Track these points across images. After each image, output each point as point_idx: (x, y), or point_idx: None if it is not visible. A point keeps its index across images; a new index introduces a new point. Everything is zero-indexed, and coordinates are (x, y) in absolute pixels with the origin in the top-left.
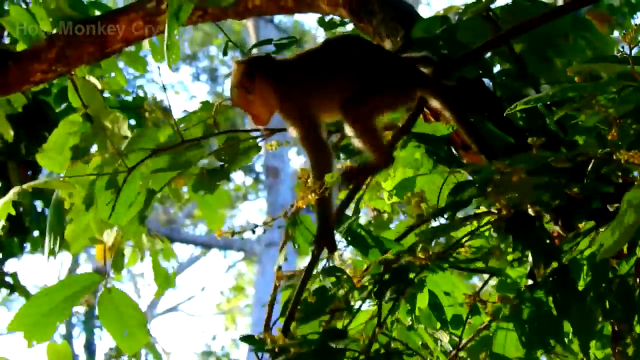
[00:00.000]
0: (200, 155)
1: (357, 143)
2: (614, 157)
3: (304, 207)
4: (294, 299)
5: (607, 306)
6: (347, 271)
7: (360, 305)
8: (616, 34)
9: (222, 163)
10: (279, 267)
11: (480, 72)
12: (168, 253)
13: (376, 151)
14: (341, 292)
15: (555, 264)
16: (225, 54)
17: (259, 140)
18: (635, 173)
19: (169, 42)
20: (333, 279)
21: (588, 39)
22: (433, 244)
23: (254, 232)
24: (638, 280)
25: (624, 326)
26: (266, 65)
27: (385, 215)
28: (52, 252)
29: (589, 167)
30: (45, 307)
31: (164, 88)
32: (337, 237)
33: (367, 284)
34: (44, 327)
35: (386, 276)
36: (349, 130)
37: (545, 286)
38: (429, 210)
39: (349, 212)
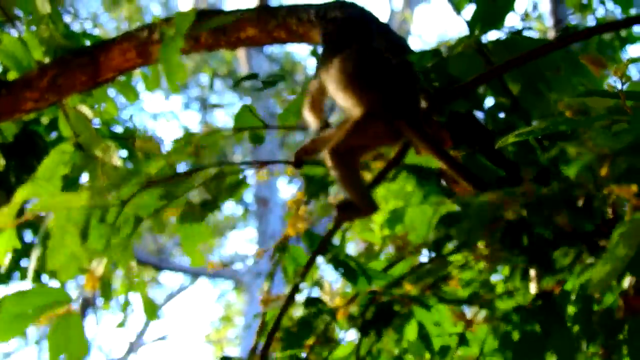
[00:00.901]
0: (189, 186)
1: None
2: (605, 192)
3: (294, 235)
4: (273, 323)
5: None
6: (335, 300)
7: (345, 336)
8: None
9: (209, 196)
10: (266, 292)
11: (472, 105)
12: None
13: (357, 201)
14: (321, 325)
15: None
16: (211, 87)
17: (247, 171)
18: (625, 207)
19: (168, 69)
20: (314, 309)
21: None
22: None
23: (244, 263)
24: (623, 311)
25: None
26: None
27: (377, 248)
28: (36, 278)
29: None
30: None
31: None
32: (322, 261)
33: (355, 314)
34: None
35: (369, 314)
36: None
37: (531, 311)
38: (419, 241)
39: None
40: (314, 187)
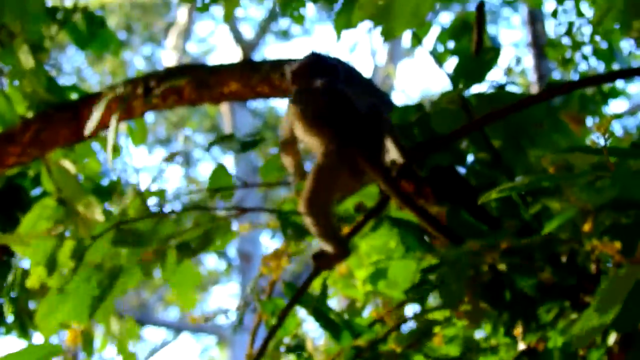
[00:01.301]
0: (170, 231)
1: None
2: (588, 248)
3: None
4: None
5: None
6: (318, 357)
7: None
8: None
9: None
10: (249, 346)
11: (454, 160)
12: (133, 333)
13: (330, 246)
14: None
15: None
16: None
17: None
18: (609, 263)
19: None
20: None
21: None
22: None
23: (227, 316)
24: None
25: None
26: None
27: (359, 304)
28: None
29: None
30: None
31: (137, 171)
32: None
33: None
34: None
35: None
36: None
37: None
38: (402, 297)
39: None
40: (293, 233)
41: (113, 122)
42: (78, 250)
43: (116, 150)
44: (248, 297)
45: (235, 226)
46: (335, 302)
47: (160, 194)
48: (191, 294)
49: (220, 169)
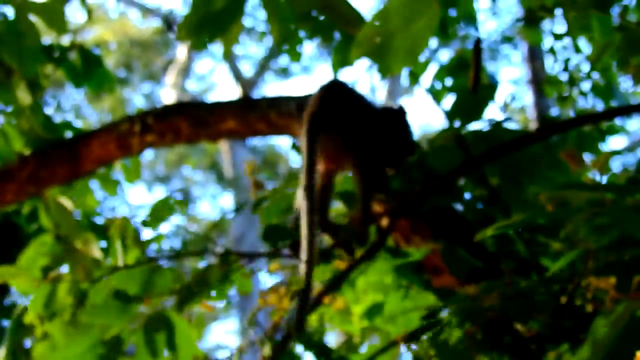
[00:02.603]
0: (170, 279)
1: None
2: (583, 284)
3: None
4: None
5: None
6: None
7: None
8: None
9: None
10: None
11: (452, 197)
12: None
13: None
14: None
15: None
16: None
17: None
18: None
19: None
20: None
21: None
22: None
23: (230, 358)
24: None
25: None
26: None
27: (356, 339)
28: None
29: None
30: None
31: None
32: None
33: None
34: None
35: None
36: None
37: None
38: (398, 332)
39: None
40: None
41: None
42: (77, 295)
43: (113, 187)
44: (251, 336)
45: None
46: (331, 337)
47: (158, 239)
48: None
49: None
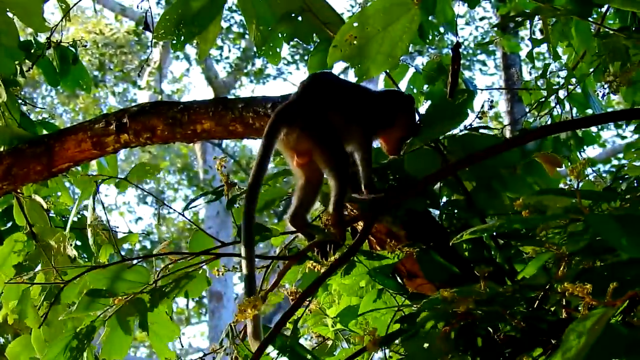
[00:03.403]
0: (142, 278)
1: None
2: (559, 289)
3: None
4: None
5: None
6: None
7: None
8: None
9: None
10: None
11: (429, 202)
12: None
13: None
14: None
15: None
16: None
17: (202, 265)
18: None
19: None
20: None
21: (535, 177)
22: None
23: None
24: None
25: None
26: None
27: (329, 342)
28: None
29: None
30: None
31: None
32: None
33: None
34: None
35: None
36: None
37: None
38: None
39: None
40: None
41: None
42: (51, 294)
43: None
44: (223, 340)
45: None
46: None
47: (133, 237)
48: (168, 348)
49: (198, 235)
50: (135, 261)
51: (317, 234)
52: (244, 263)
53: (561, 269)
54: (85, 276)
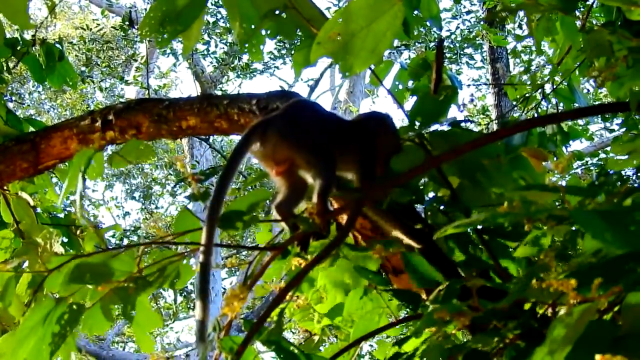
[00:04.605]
0: (127, 267)
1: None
2: (543, 286)
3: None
4: None
5: None
6: None
7: None
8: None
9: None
10: None
11: (413, 198)
12: None
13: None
14: None
15: None
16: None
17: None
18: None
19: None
20: None
21: (521, 172)
22: None
23: (187, 355)
24: None
25: None
26: None
27: (316, 338)
28: None
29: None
30: None
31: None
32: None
33: None
34: None
35: None
36: None
37: None
38: (358, 334)
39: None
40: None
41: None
42: (35, 282)
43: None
44: (210, 334)
45: (192, 262)
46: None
47: (116, 227)
48: (150, 337)
49: (184, 213)
50: (120, 250)
51: (301, 224)
52: (199, 266)
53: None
54: (70, 264)
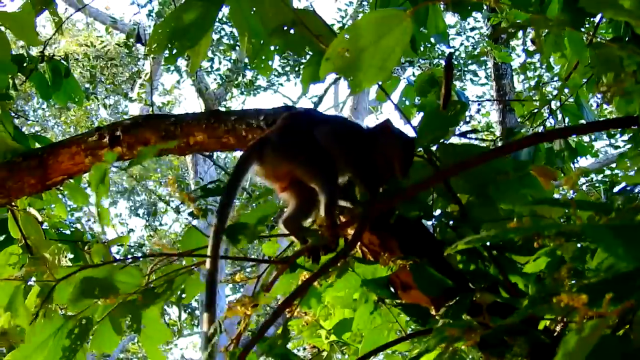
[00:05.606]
0: (135, 280)
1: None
2: (554, 300)
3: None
4: None
5: None
6: None
7: None
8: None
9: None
10: None
11: (422, 214)
12: None
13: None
14: None
15: None
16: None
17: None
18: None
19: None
20: None
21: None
22: None
23: None
24: None
25: None
26: None
27: (324, 354)
28: None
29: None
30: None
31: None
32: None
33: None
34: None
35: None
36: None
37: None
38: (367, 349)
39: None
40: None
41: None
42: (43, 294)
43: (83, 198)
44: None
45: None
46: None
47: (124, 239)
48: (160, 351)
49: (191, 230)
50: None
51: (310, 237)
52: (206, 278)
53: (562, 272)
54: (78, 275)
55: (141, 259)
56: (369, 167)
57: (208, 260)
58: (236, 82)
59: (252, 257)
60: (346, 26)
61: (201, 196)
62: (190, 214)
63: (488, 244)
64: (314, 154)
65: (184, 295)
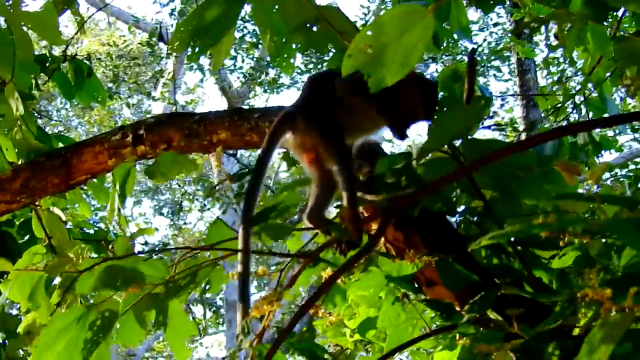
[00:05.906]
0: (159, 273)
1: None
2: (579, 295)
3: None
4: None
5: None
6: None
7: None
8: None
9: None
10: None
11: (446, 210)
12: None
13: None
14: None
15: None
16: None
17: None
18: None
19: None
20: None
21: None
22: None
23: None
24: None
25: None
26: None
27: (348, 352)
28: None
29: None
30: None
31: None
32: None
33: None
34: None
35: None
36: None
37: None
38: (392, 346)
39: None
40: None
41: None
42: (65, 282)
43: (106, 197)
44: (240, 342)
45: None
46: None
47: (149, 230)
48: (185, 345)
49: (217, 223)
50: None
51: (334, 231)
52: (239, 267)
53: (594, 270)
54: (101, 266)
55: (168, 251)
56: (395, 110)
57: (240, 254)
58: (259, 80)
59: (276, 252)
60: (369, 22)
61: (238, 179)
62: (235, 195)
63: (512, 239)
64: (336, 137)
65: (207, 288)
